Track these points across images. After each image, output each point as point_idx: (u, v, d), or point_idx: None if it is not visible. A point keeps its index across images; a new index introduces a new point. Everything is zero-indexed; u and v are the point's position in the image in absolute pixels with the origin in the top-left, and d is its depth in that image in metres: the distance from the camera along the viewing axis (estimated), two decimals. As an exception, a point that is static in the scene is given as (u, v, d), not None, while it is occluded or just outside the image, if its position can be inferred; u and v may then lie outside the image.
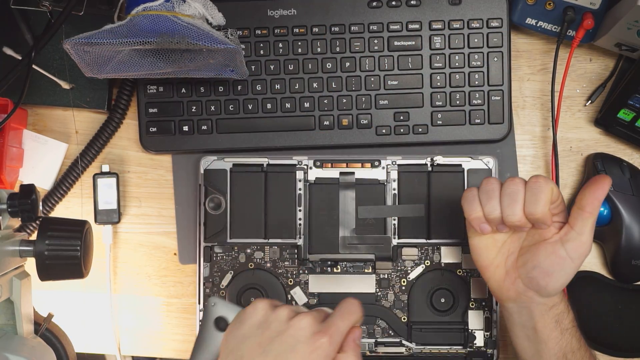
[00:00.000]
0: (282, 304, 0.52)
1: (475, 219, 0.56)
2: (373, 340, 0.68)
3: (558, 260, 0.54)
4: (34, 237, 0.61)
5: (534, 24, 0.67)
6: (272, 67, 0.68)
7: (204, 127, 0.69)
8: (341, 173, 0.68)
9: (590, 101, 0.70)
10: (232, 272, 0.68)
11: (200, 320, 0.55)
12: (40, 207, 0.59)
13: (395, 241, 0.68)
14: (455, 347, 0.67)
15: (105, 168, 0.71)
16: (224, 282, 0.68)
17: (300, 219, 0.68)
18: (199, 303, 0.68)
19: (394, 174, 0.68)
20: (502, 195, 0.54)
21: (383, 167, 0.68)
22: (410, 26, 0.67)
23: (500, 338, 0.68)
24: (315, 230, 0.68)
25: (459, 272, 0.68)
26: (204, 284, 0.68)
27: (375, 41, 0.68)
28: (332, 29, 0.68)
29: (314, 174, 0.69)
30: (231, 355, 0.50)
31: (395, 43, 0.68)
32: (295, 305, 0.65)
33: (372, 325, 0.68)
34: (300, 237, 0.68)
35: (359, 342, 0.51)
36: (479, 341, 0.67)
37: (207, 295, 0.68)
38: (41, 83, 0.69)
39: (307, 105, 0.68)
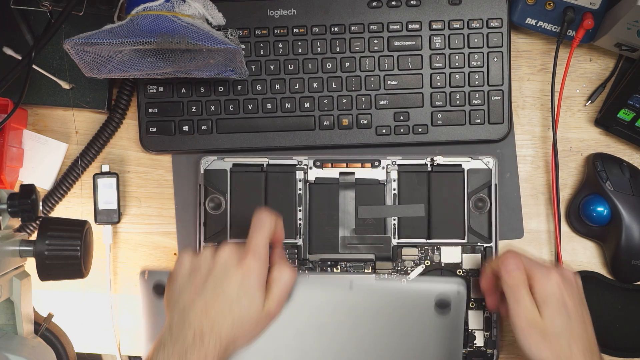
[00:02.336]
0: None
1: None
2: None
3: None
4: (34, 237, 0.61)
5: (534, 24, 0.67)
6: (272, 67, 0.68)
7: (204, 127, 0.69)
8: (341, 173, 0.68)
9: (590, 101, 0.70)
10: (232, 272, 0.68)
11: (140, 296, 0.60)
12: (40, 207, 0.59)
13: (395, 241, 0.68)
14: (455, 347, 0.67)
15: (105, 168, 0.71)
16: (224, 282, 0.68)
17: (300, 219, 0.68)
18: (199, 303, 0.68)
19: (394, 174, 0.68)
20: None
21: (383, 167, 0.68)
22: (410, 26, 0.67)
23: (501, 338, 0.68)
24: (315, 230, 0.68)
25: (459, 272, 0.68)
26: (204, 284, 0.68)
27: (375, 41, 0.68)
28: (332, 29, 0.68)
29: (314, 174, 0.69)
30: (175, 312, 0.52)
31: (395, 43, 0.68)
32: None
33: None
34: (300, 237, 0.68)
35: (284, 254, 0.56)
36: (479, 341, 0.67)
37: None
38: (41, 83, 0.69)
39: (307, 105, 0.68)
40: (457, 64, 0.68)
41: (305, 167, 0.68)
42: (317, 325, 0.56)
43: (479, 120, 0.68)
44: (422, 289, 0.56)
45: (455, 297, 0.56)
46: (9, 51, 0.67)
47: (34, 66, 0.63)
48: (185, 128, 0.69)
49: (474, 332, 0.67)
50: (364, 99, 0.68)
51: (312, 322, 0.56)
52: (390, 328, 0.57)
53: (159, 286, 0.55)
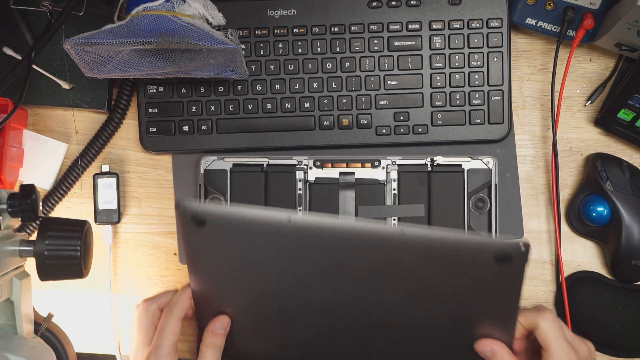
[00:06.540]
0: None
1: None
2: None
3: None
4: (34, 237, 0.61)
5: (534, 24, 0.67)
6: (272, 67, 0.68)
7: (204, 127, 0.69)
8: (341, 173, 0.68)
9: (590, 101, 0.70)
10: (232, 272, 0.68)
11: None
12: (40, 207, 0.59)
13: (395, 241, 0.68)
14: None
15: (105, 168, 0.71)
16: (224, 282, 0.68)
17: (300, 219, 0.68)
18: (199, 303, 0.68)
19: (394, 174, 0.68)
20: None
21: (383, 167, 0.68)
22: (410, 26, 0.67)
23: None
24: (315, 230, 0.68)
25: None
26: (204, 284, 0.68)
27: (375, 41, 0.68)
28: (332, 29, 0.68)
29: (314, 174, 0.69)
30: None
31: (395, 43, 0.68)
32: None
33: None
34: (300, 237, 0.68)
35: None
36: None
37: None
38: (41, 83, 0.69)
39: (307, 105, 0.68)
40: (457, 64, 0.68)
41: (305, 167, 0.68)
42: (367, 273, 0.51)
43: (479, 120, 0.68)
44: (481, 242, 0.50)
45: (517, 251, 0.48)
46: (9, 51, 0.67)
47: (34, 66, 0.63)
48: (185, 128, 0.69)
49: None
50: (364, 99, 0.68)
51: (359, 272, 0.51)
52: (445, 279, 0.50)
53: (197, 215, 0.50)
